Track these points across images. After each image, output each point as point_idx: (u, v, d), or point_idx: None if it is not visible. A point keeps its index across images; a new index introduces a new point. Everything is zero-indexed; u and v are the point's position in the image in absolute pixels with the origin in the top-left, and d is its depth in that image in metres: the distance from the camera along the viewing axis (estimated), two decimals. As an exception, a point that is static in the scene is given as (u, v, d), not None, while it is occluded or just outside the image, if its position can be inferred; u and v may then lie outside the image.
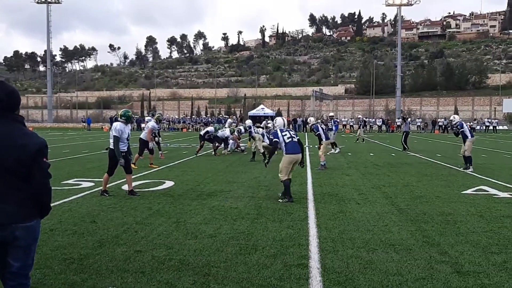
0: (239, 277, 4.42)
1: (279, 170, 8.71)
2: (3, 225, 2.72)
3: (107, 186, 9.18)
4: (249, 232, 6.13)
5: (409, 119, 27.59)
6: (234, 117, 45.86)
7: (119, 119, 9.31)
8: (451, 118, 15.66)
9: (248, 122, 20.20)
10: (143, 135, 15.27)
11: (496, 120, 56.02)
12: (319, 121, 20.08)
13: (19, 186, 2.76)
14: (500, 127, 56.59)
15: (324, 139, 14.34)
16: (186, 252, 5.19)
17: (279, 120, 9.27)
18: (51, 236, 5.85)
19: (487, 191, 9.72)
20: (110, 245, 5.46)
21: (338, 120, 23.05)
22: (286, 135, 8.69)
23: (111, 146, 8.90)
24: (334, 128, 20.89)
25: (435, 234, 6.10)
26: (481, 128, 55.23)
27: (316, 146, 14.69)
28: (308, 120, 15.96)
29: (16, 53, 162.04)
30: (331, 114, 25.93)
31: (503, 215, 7.28)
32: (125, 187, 9.39)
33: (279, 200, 8.51)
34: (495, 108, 68.78)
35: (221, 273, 4.52)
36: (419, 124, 56.77)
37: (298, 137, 8.82)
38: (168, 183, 10.56)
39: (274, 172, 12.79)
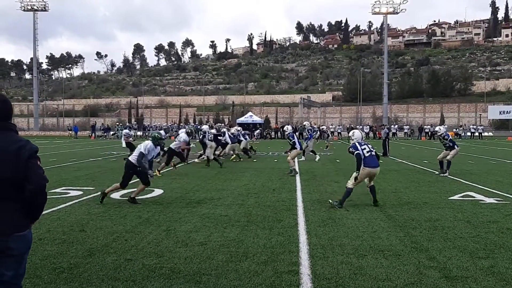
0: (230, 285, 4.43)
1: (352, 177, 8.73)
2: None
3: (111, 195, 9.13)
4: (239, 239, 6.14)
5: (387, 126, 28.35)
6: (223, 124, 45.67)
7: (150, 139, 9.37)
8: (436, 129, 15.96)
9: (205, 127, 19.52)
10: (174, 145, 15.79)
11: (482, 127, 56.64)
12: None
13: (14, 196, 2.76)
14: (486, 134, 57.30)
15: (298, 148, 14.57)
16: (177, 260, 5.19)
17: (357, 133, 9.13)
18: (40, 245, 5.80)
19: (474, 197, 9.85)
20: (100, 254, 5.43)
21: (311, 128, 23.32)
22: (365, 148, 8.70)
23: (130, 158, 9.01)
24: (309, 136, 21.18)
25: (423, 239, 6.17)
26: (466, 134, 55.85)
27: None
28: (285, 128, 16.20)
29: (1, 60, 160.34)
30: (305, 123, 25.99)
31: (489, 221, 7.39)
32: (114, 195, 9.35)
33: (330, 200, 8.69)
34: (480, 114, 69.65)
35: (212, 281, 4.53)
36: (406, 131, 57.26)
37: (375, 150, 8.86)
38: (157, 191, 10.53)
39: (264, 180, 12.84)
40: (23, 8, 69.75)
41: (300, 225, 7.01)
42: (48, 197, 3.03)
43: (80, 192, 10.30)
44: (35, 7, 69.84)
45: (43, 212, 7.58)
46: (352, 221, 7.30)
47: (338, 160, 19.97)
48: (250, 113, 60.73)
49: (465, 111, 75.46)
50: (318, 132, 32.22)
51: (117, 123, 64.39)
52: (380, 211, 8.22)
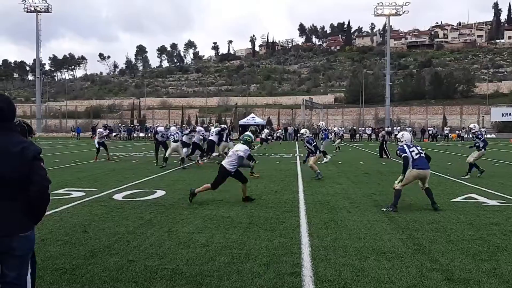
0: (232, 286, 4.43)
1: (398, 179, 8.67)
2: (1, 237, 2.73)
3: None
4: (241, 241, 6.14)
5: (386, 129, 28.27)
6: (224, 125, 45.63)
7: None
8: (471, 126, 15.65)
9: (173, 129, 19.20)
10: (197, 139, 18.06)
11: (484, 129, 56.55)
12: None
13: (17, 196, 2.77)
14: (488, 136, 57.15)
15: (318, 152, 14.36)
16: (179, 262, 5.19)
17: (406, 135, 9.07)
18: (43, 246, 5.81)
19: (476, 199, 9.83)
20: (102, 255, 5.44)
21: (326, 129, 23.26)
22: (413, 150, 8.61)
23: (224, 164, 9.30)
24: (324, 136, 21.18)
25: (425, 241, 6.16)
26: (468, 136, 55.68)
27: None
28: (304, 131, 15.60)
29: (5, 62, 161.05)
30: (321, 123, 25.94)
31: (492, 223, 7.37)
32: (116, 196, 9.34)
33: (383, 209, 8.49)
34: (483, 116, 69.49)
35: (214, 282, 4.53)
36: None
37: (424, 152, 8.76)
38: (160, 192, 10.54)
39: (266, 182, 12.83)
40: (26, 9, 69.84)
41: (302, 227, 7.00)
42: (50, 198, 3.03)
43: (83, 193, 10.30)
44: (38, 9, 69.91)
45: (46, 213, 7.62)
46: (354, 223, 7.29)
47: (340, 162, 19.95)
48: (252, 115, 60.82)
49: (468, 113, 75.37)
50: (333, 134, 32.28)
51: (119, 124, 64.69)
52: (382, 213, 8.20)
